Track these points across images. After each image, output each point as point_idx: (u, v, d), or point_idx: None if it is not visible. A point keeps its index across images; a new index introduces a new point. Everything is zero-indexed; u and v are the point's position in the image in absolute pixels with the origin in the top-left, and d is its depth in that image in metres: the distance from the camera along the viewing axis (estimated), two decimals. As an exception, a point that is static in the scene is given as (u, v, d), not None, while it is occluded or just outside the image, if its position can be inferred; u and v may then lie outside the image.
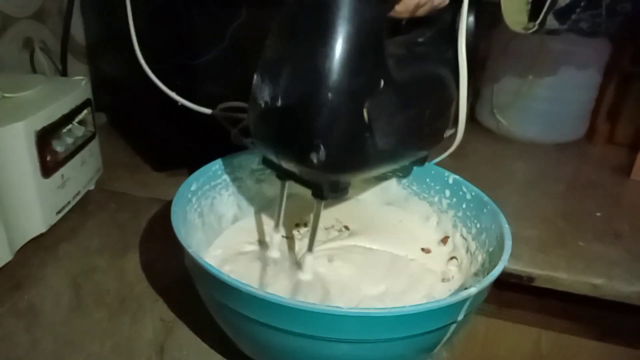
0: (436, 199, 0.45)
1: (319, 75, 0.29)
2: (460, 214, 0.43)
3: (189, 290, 0.36)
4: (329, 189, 0.33)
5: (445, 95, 0.40)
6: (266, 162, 0.36)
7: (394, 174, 0.48)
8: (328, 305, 0.28)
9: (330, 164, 0.31)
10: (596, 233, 0.55)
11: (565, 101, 0.73)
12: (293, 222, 0.45)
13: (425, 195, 0.46)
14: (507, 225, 0.37)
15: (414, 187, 0.47)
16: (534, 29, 0.47)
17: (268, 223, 0.45)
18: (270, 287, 0.37)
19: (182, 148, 0.61)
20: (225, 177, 0.44)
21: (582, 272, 0.49)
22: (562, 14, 0.46)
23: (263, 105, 0.31)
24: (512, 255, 0.49)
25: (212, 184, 0.43)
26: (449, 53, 0.40)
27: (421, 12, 0.35)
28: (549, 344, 0.58)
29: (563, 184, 0.66)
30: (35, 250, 0.47)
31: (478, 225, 0.40)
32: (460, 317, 0.31)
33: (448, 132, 0.42)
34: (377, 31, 0.31)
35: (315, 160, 0.30)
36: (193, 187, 0.40)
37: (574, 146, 0.77)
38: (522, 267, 0.49)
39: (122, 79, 0.66)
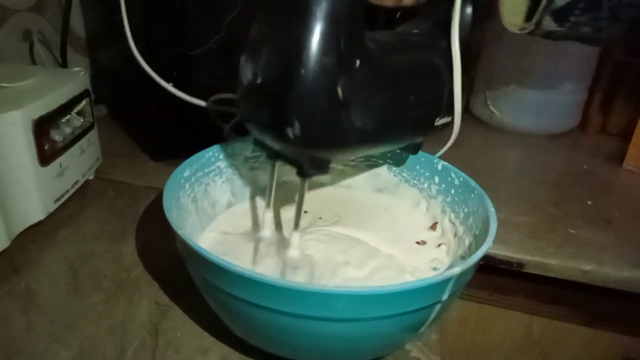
0: (426, 185, 0.46)
1: (293, 52, 0.30)
2: (448, 199, 0.44)
3: (183, 275, 0.37)
4: (309, 166, 0.34)
5: (435, 83, 0.40)
6: (256, 142, 0.37)
7: (385, 161, 0.48)
8: (314, 285, 0.29)
9: (306, 139, 0.32)
10: (587, 220, 0.56)
11: (558, 92, 0.73)
12: (286, 209, 0.46)
13: (415, 181, 0.47)
14: (492, 209, 0.37)
15: (404, 174, 0.47)
16: (531, 29, 0.46)
17: (261, 209, 0.46)
18: (261, 265, 0.38)
19: (180, 138, 0.62)
20: (219, 164, 0.45)
21: (572, 258, 0.50)
22: (560, 15, 0.44)
23: (246, 83, 0.33)
24: (502, 241, 0.51)
25: (206, 170, 0.44)
26: (442, 43, 0.41)
27: (407, 1, 0.36)
28: (540, 330, 0.58)
29: (555, 173, 0.67)
30: (34, 236, 0.48)
31: (466, 210, 0.41)
32: (444, 297, 0.32)
33: (440, 121, 0.42)
34: (352, 12, 0.31)
35: (290, 135, 0.31)
36: (186, 173, 0.41)
37: (567, 136, 0.78)
38: (512, 253, 0.50)
39: (121, 70, 0.67)
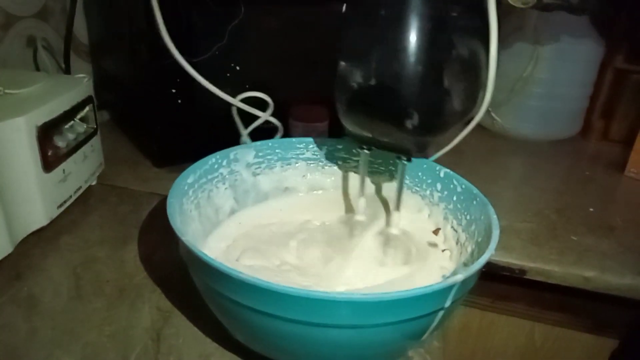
0: (428, 192, 0.46)
1: (406, 54, 0.34)
2: (451, 206, 0.44)
3: (185, 281, 0.37)
4: (416, 150, 0.39)
5: (482, 64, 0.44)
6: (352, 137, 0.41)
7: (387, 168, 0.49)
8: (317, 291, 0.29)
9: (423, 127, 0.36)
10: (589, 227, 0.56)
11: (560, 98, 0.73)
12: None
13: (418, 188, 0.47)
14: (495, 216, 0.37)
15: (407, 181, 0.47)
16: (532, 3, 0.52)
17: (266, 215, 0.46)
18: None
19: (183, 144, 0.63)
20: (222, 170, 0.45)
21: (574, 264, 0.50)
22: None
23: (356, 86, 0.36)
24: (504, 248, 0.51)
25: (209, 177, 0.44)
26: (480, 25, 0.43)
27: None
28: (542, 336, 0.58)
29: (557, 180, 0.67)
30: (37, 242, 0.48)
31: (468, 217, 0.41)
32: (447, 304, 0.32)
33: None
34: (443, 13, 0.36)
35: (410, 126, 0.35)
36: (190, 180, 0.41)
37: (569, 143, 0.78)
38: (514, 260, 0.50)
39: (124, 76, 0.68)
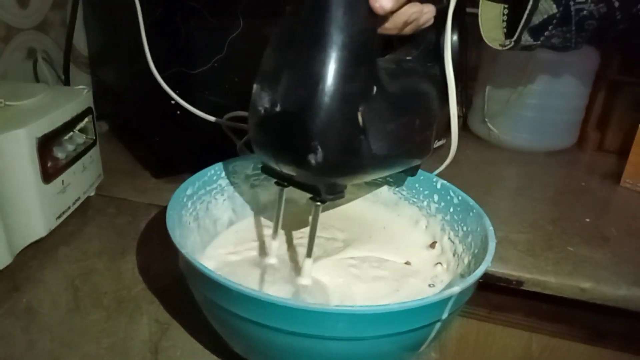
0: (425, 203, 0.46)
1: (316, 80, 0.30)
2: (447, 217, 0.44)
3: (183, 292, 0.37)
4: (326, 192, 0.35)
5: (432, 108, 0.42)
6: (265, 169, 0.37)
7: (385, 181, 0.49)
8: (314, 303, 0.30)
9: (328, 166, 0.32)
10: (584, 237, 0.56)
11: (555, 109, 0.74)
12: (291, 227, 0.46)
13: (415, 199, 0.47)
14: (491, 228, 0.38)
15: (404, 192, 0.48)
16: (510, 45, 0.50)
17: (263, 226, 0.47)
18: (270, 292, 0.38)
19: (181, 155, 0.63)
20: (221, 182, 0.45)
21: (570, 275, 0.50)
22: (536, 32, 0.49)
23: (262, 111, 0.33)
24: (501, 259, 0.51)
25: (208, 188, 0.44)
26: (435, 69, 0.42)
27: (408, 30, 0.37)
28: (540, 347, 0.58)
29: (553, 190, 0.68)
30: (35, 253, 0.48)
31: (465, 228, 0.42)
32: (444, 316, 0.32)
33: (437, 143, 0.43)
34: (369, 41, 0.33)
35: (313, 162, 0.32)
36: (189, 192, 0.42)
37: (565, 153, 0.79)
38: (510, 271, 0.51)
39: (123, 88, 0.68)
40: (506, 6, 0.52)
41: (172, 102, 0.59)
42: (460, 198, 0.43)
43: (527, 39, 0.49)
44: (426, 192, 0.46)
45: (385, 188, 0.49)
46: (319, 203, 0.36)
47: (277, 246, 0.42)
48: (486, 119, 0.78)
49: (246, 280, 0.38)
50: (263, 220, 0.47)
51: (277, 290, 0.38)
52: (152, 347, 0.39)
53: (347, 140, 0.32)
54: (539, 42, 0.50)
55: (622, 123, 0.77)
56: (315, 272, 0.39)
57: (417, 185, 0.47)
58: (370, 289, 0.39)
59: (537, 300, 0.53)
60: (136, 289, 0.45)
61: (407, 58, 0.43)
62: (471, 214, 0.41)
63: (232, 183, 0.46)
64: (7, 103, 0.48)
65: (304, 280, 0.38)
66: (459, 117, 0.44)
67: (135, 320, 0.41)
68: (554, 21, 0.47)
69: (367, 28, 0.32)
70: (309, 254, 0.38)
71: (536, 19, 0.47)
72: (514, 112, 0.75)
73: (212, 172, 0.45)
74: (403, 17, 0.35)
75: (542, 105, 0.74)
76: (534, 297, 0.52)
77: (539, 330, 0.58)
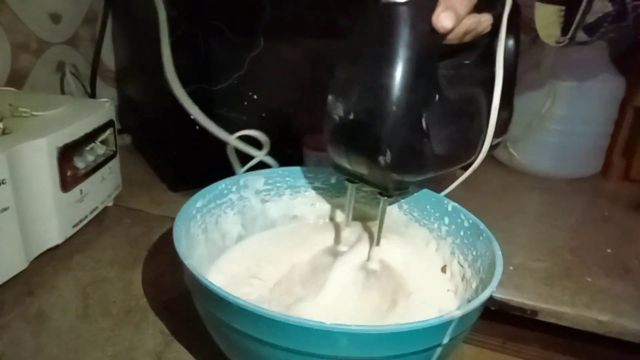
0: (435, 225, 0.46)
1: (384, 92, 0.35)
2: (458, 240, 0.43)
3: (189, 306, 0.37)
4: (393, 188, 0.40)
5: (486, 110, 0.44)
6: (337, 168, 0.42)
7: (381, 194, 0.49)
8: (315, 321, 0.29)
9: (395, 166, 0.36)
10: (605, 268, 0.54)
11: (579, 136, 0.72)
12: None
13: (425, 221, 0.47)
14: (499, 252, 0.37)
15: (415, 213, 0.47)
16: (565, 42, 0.52)
17: (272, 244, 0.47)
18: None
19: (198, 170, 0.64)
20: (231, 196, 0.46)
21: (587, 307, 0.48)
22: (591, 29, 0.51)
23: (337, 119, 0.37)
24: (516, 287, 0.50)
25: (218, 202, 0.45)
26: (489, 72, 0.44)
27: (467, 38, 0.40)
28: (555, 381, 0.56)
29: (574, 218, 0.66)
30: (50, 260, 0.49)
31: (474, 253, 0.41)
32: (445, 340, 0.31)
33: (495, 140, 0.46)
34: (430, 56, 0.37)
35: (382, 163, 0.36)
36: (198, 204, 0.42)
37: (588, 181, 0.77)
38: (525, 300, 0.49)
39: (145, 102, 0.70)
40: (562, 8, 0.53)
41: (192, 117, 0.61)
42: (470, 221, 0.42)
43: (582, 36, 0.50)
44: (437, 214, 0.46)
45: (395, 209, 0.49)
46: (386, 199, 0.41)
47: (347, 234, 0.46)
48: (507, 144, 0.77)
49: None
50: (272, 236, 0.48)
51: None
52: (155, 358, 0.39)
53: (413, 143, 0.37)
54: (594, 38, 0.51)
55: (649, 151, 0.75)
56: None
57: (428, 206, 0.46)
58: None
59: (553, 332, 0.51)
60: (144, 299, 0.45)
61: (465, 62, 0.46)
62: (481, 238, 0.40)
63: (242, 197, 0.47)
64: (33, 113, 0.50)
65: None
66: (507, 120, 0.48)
67: (141, 330, 0.42)
68: (609, 19, 0.48)
69: (429, 43, 0.36)
70: (377, 242, 0.43)
71: (590, 18, 0.48)
72: (536, 137, 0.74)
73: (223, 186, 0.45)
74: (463, 28, 0.38)
75: (566, 131, 0.72)
76: (550, 328, 0.50)
77: (554, 363, 0.56)
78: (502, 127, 0.50)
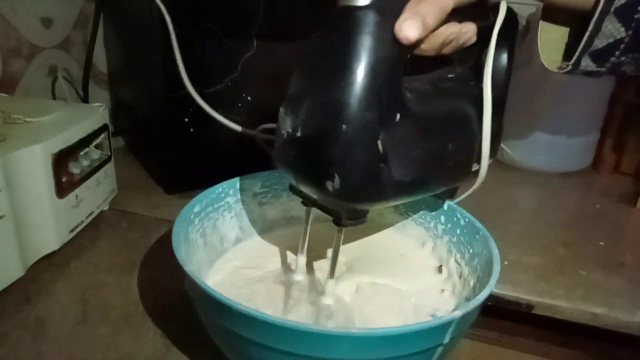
0: (432, 224, 0.46)
1: (334, 107, 0.31)
2: (454, 239, 0.44)
3: (189, 310, 0.37)
4: (346, 217, 0.35)
5: (471, 130, 0.40)
6: (292, 189, 0.38)
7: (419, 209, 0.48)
8: (315, 325, 0.30)
9: (345, 192, 0.32)
10: (598, 262, 0.55)
11: (570, 131, 0.73)
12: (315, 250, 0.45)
13: (422, 220, 0.47)
14: (496, 251, 0.37)
15: (411, 213, 0.48)
16: (568, 69, 0.45)
17: (271, 245, 0.47)
18: (294, 311, 0.38)
19: (194, 172, 0.64)
20: (229, 199, 0.46)
21: (582, 300, 0.49)
22: (599, 56, 0.43)
23: (285, 135, 0.34)
24: (511, 282, 0.51)
25: (215, 206, 0.45)
26: (477, 88, 0.40)
27: (447, 50, 0.36)
28: (551, 374, 0.57)
29: (566, 213, 0.67)
30: (47, 266, 0.49)
31: (471, 251, 0.41)
32: (446, 340, 0.32)
33: (475, 166, 0.42)
34: (392, 69, 0.32)
35: (330, 188, 0.32)
36: (196, 209, 0.42)
37: (580, 175, 0.77)
38: (520, 294, 0.50)
39: (139, 105, 0.70)
40: (570, 29, 0.46)
41: (186, 119, 0.61)
42: (467, 220, 0.43)
43: (589, 63, 0.42)
44: (433, 213, 0.46)
45: (391, 209, 0.49)
46: (340, 227, 0.36)
47: (303, 263, 0.42)
48: (499, 140, 0.77)
49: (272, 299, 0.39)
50: (270, 238, 0.48)
51: (300, 310, 0.38)
52: (156, 362, 0.39)
53: (366, 167, 0.32)
54: (604, 69, 0.43)
55: (638, 146, 0.76)
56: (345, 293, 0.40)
57: (423, 206, 0.47)
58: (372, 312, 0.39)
59: (548, 325, 0.52)
60: (144, 304, 0.45)
61: (450, 76, 0.42)
62: (477, 236, 0.41)
63: (239, 200, 0.47)
64: (26, 119, 0.50)
65: (326, 300, 0.38)
66: (494, 141, 0.42)
67: (141, 335, 0.42)
68: (622, 46, 0.40)
69: (390, 55, 0.31)
70: (331, 275, 0.38)
71: (599, 43, 0.40)
72: (528, 133, 0.74)
73: (220, 189, 0.45)
74: (440, 38, 0.34)
75: (557, 127, 0.73)
76: (545, 322, 0.50)
77: (550, 356, 0.56)
78: (493, 148, 0.44)
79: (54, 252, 0.49)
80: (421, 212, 0.47)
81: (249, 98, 0.63)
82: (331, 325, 0.36)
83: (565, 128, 0.73)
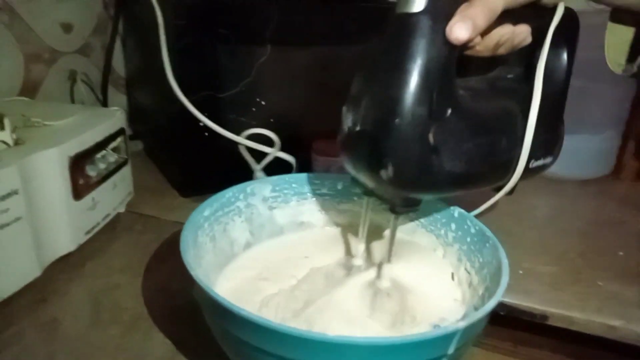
0: (442, 231, 0.46)
1: (389, 103, 0.34)
2: (465, 247, 0.43)
3: (198, 313, 0.37)
4: (400, 204, 0.39)
5: (522, 129, 0.42)
6: (353, 180, 0.41)
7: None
8: (319, 333, 0.30)
9: (398, 181, 0.36)
10: (616, 272, 0.54)
11: (590, 137, 0.72)
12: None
13: (432, 227, 0.47)
14: (506, 260, 0.37)
15: (422, 219, 0.47)
16: (634, 71, 0.46)
17: (282, 251, 0.47)
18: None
19: (208, 176, 0.64)
20: (239, 204, 0.46)
21: (598, 312, 0.48)
22: None
23: (346, 130, 0.37)
24: (525, 292, 0.50)
25: (226, 210, 0.45)
26: (517, 87, 0.43)
27: (501, 50, 0.38)
28: (566, 386, 0.56)
29: (584, 221, 0.65)
30: (64, 267, 0.50)
31: (481, 260, 0.41)
32: (450, 351, 0.31)
33: (535, 163, 0.45)
34: (444, 68, 0.35)
35: (384, 177, 0.35)
36: (206, 213, 0.43)
37: (600, 182, 0.75)
38: (535, 305, 0.49)
39: (155, 109, 0.71)
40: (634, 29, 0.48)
41: (200, 124, 0.61)
42: (477, 228, 0.42)
43: None
44: (444, 220, 0.46)
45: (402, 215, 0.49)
46: (395, 214, 0.39)
47: (362, 248, 0.45)
48: (517, 145, 0.76)
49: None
50: (280, 243, 0.48)
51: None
52: (164, 365, 0.39)
53: (417, 158, 0.35)
54: None
55: (662, 152, 0.74)
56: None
57: (434, 213, 0.46)
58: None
59: (564, 337, 0.51)
60: (155, 306, 0.46)
61: (508, 76, 0.44)
62: (487, 244, 0.40)
63: (250, 205, 0.47)
64: (45, 123, 0.51)
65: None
66: (553, 141, 0.44)
67: (150, 337, 0.42)
68: None
69: (443, 55, 0.34)
70: (388, 259, 0.41)
71: None
72: (546, 138, 0.73)
73: (231, 194, 0.46)
74: (494, 39, 0.36)
75: (576, 132, 0.71)
76: (561, 333, 0.49)
77: (565, 368, 0.55)
78: (548, 148, 0.48)
79: (70, 254, 0.50)
80: (431, 219, 0.47)
81: (263, 103, 0.64)
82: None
83: (584, 133, 0.71)
